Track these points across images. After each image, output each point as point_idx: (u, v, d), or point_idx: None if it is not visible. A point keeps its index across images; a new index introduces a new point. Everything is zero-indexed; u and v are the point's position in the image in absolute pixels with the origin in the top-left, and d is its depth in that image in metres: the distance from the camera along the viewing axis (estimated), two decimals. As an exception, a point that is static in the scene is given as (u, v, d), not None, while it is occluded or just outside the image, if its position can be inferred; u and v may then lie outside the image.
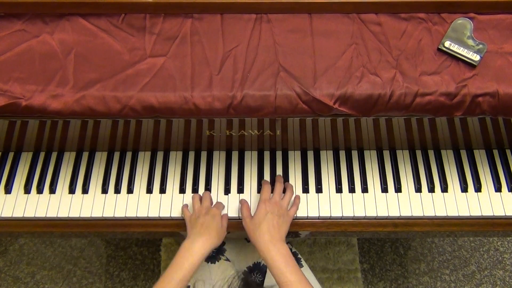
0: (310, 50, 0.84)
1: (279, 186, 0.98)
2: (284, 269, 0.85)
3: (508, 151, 1.06)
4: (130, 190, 1.03)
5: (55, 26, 0.86)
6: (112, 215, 1.00)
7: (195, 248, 0.89)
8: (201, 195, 1.01)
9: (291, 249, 1.13)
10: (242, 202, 0.98)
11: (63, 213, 1.01)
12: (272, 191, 0.99)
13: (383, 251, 1.74)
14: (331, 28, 0.86)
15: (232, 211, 1.01)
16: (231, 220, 1.00)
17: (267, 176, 1.05)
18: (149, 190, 1.03)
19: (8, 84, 0.80)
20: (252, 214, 0.95)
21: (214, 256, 1.07)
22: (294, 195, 1.00)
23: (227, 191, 1.03)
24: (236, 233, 1.05)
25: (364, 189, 1.02)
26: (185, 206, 1.00)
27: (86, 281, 1.69)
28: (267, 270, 1.09)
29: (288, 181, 1.04)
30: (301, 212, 1.01)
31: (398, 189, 1.02)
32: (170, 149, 1.07)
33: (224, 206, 1.01)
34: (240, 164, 1.06)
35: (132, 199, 1.02)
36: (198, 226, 0.92)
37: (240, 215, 0.98)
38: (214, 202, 1.02)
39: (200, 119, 0.95)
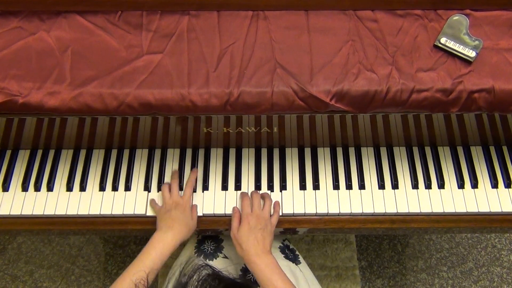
0: (307, 47, 0.84)
1: (255, 197, 0.99)
2: (271, 277, 0.86)
3: (504, 148, 1.06)
4: (127, 188, 1.03)
5: (52, 24, 0.86)
6: (109, 213, 1.01)
7: (166, 239, 0.91)
8: (169, 183, 1.02)
9: (288, 246, 1.14)
10: (235, 211, 0.99)
11: (61, 211, 1.01)
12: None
13: (381, 249, 1.74)
14: (327, 25, 0.86)
15: (229, 208, 1.01)
16: (227, 217, 1.01)
17: (264, 174, 1.05)
18: (147, 188, 1.03)
19: (5, 82, 0.80)
20: None
21: (212, 253, 1.07)
22: (274, 202, 1.01)
23: (224, 188, 1.03)
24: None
25: (361, 186, 1.03)
26: (153, 201, 1.01)
27: (84, 279, 1.69)
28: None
29: (285, 178, 1.04)
30: (299, 209, 1.01)
31: (395, 186, 1.03)
32: (168, 147, 1.07)
33: (192, 191, 1.01)
34: (238, 161, 1.06)
35: (130, 196, 1.02)
36: (169, 220, 0.94)
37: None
38: (213, 201, 1.02)
39: (198, 116, 0.95)
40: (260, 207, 0.98)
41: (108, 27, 0.86)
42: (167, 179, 1.04)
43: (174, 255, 1.42)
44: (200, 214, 1.01)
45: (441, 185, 1.02)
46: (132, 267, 0.86)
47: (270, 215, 0.99)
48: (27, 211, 1.01)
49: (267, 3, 0.87)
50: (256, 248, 0.91)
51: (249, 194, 1.01)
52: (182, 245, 1.41)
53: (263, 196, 1.01)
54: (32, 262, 1.72)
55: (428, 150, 1.06)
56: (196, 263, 0.79)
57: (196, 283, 0.73)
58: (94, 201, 1.02)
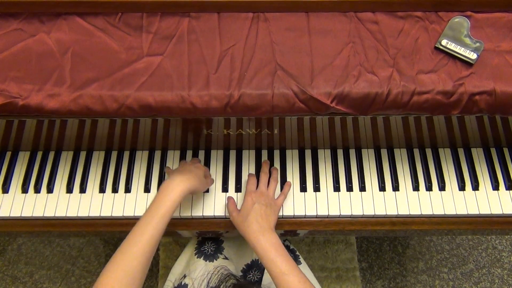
0: (307, 49, 0.84)
1: (263, 177, 0.99)
2: (275, 259, 0.84)
3: (505, 150, 1.06)
4: (128, 189, 1.03)
5: (52, 25, 0.86)
6: (110, 215, 1.00)
7: (173, 183, 0.86)
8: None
9: (289, 246, 1.14)
10: (229, 198, 0.99)
11: (60, 213, 1.00)
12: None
13: (382, 250, 1.74)
14: (328, 27, 0.86)
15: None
16: (227, 219, 1.01)
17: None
18: (147, 189, 1.03)
19: (5, 84, 0.80)
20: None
21: (212, 254, 1.07)
22: (285, 184, 1.01)
23: (225, 189, 1.03)
24: (235, 231, 1.05)
25: (362, 188, 1.02)
26: (168, 168, 1.02)
27: (84, 281, 1.68)
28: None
29: (286, 180, 1.04)
30: (299, 211, 1.01)
31: (395, 188, 1.02)
32: (168, 148, 1.07)
33: (208, 172, 1.01)
34: (238, 163, 1.06)
35: (130, 198, 1.02)
36: (180, 169, 0.93)
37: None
38: (213, 202, 1.02)
39: (198, 118, 0.95)
40: (266, 185, 0.98)
41: (108, 29, 0.86)
42: (167, 180, 1.04)
43: (174, 256, 1.42)
44: (200, 215, 1.01)
45: (442, 187, 1.02)
46: (146, 217, 0.82)
47: (276, 198, 0.98)
48: (27, 212, 1.00)
49: (267, 5, 0.86)
50: (260, 224, 0.89)
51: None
52: (182, 246, 1.41)
53: (270, 175, 1.01)
54: (32, 263, 1.72)
55: (429, 152, 1.06)
56: (222, 272, 0.78)
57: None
58: (94, 203, 1.02)
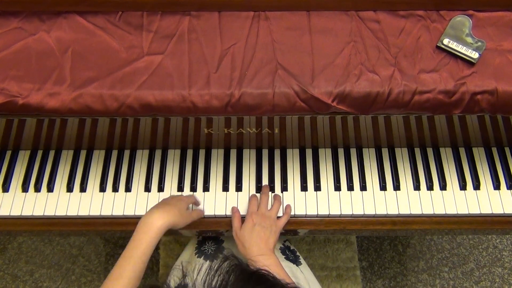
0: (308, 48, 0.84)
1: (264, 198, 0.99)
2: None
3: (507, 149, 1.06)
4: (128, 189, 1.03)
5: (52, 24, 0.86)
6: (110, 214, 1.00)
7: (152, 219, 0.84)
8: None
9: (289, 247, 1.14)
10: (234, 211, 0.99)
11: (61, 212, 1.00)
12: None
13: (382, 249, 1.74)
14: (329, 26, 0.86)
15: (230, 209, 1.01)
16: (227, 218, 1.00)
17: (265, 175, 1.04)
18: (147, 189, 1.03)
19: (5, 82, 0.80)
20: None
21: (212, 254, 1.06)
22: (285, 204, 1.01)
23: (225, 189, 1.03)
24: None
25: (363, 187, 1.02)
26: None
27: (85, 279, 1.68)
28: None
29: (286, 179, 1.04)
30: (300, 210, 1.01)
31: (396, 187, 1.02)
32: (168, 147, 1.07)
33: (194, 200, 0.99)
34: (239, 162, 1.05)
35: (130, 197, 1.02)
36: (160, 203, 0.91)
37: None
38: (213, 202, 1.02)
39: (198, 117, 0.94)
40: (266, 207, 0.98)
41: (108, 28, 0.86)
42: (167, 180, 1.04)
43: (174, 254, 1.42)
44: (200, 215, 1.01)
45: (443, 187, 1.02)
46: (122, 260, 0.81)
47: (278, 217, 0.98)
48: (27, 212, 1.00)
49: (268, 4, 0.86)
50: (259, 247, 0.90)
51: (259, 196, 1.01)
52: (182, 245, 1.41)
53: (273, 198, 1.01)
54: (32, 261, 1.72)
55: (430, 151, 1.06)
56: (225, 254, 0.77)
57: (228, 268, 0.71)
58: (95, 202, 1.01)
